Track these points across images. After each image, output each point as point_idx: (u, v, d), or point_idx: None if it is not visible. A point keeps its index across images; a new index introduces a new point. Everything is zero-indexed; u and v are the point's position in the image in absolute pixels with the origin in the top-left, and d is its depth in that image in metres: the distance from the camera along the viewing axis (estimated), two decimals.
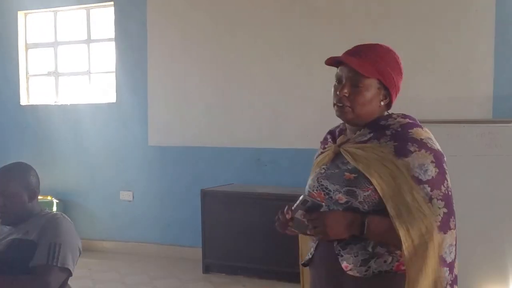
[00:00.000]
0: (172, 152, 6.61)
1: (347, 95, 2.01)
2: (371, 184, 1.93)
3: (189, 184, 6.46)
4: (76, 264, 2.84)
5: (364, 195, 1.94)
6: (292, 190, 5.64)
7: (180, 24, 6.54)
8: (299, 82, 5.97)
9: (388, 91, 2.05)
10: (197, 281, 5.67)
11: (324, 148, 2.22)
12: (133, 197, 6.85)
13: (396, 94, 2.09)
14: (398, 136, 1.98)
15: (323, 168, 2.10)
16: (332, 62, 2.10)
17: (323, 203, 1.97)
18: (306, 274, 2.33)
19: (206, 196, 5.87)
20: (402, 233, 1.86)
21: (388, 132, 2.00)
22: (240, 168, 6.30)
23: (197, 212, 5.94)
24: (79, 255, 2.88)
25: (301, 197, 1.97)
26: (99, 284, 5.66)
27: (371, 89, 2.01)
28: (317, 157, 2.24)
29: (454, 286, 1.96)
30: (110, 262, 6.44)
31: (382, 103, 2.05)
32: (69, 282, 2.90)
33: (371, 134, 2.03)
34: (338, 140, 2.12)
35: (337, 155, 2.09)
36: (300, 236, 2.29)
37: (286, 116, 6.06)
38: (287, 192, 5.60)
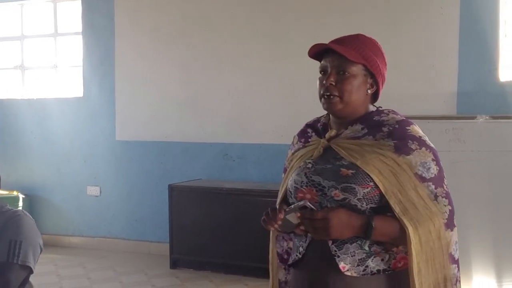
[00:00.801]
0: (140, 147, 6.57)
1: (334, 83, 1.95)
2: (371, 180, 1.87)
3: (157, 179, 6.44)
4: (37, 261, 2.81)
5: (364, 192, 1.87)
6: (260, 185, 5.67)
7: (148, 19, 6.49)
8: (267, 78, 5.97)
9: (374, 79, 2.01)
10: (164, 276, 5.66)
11: (307, 142, 2.13)
12: (100, 192, 6.80)
13: (382, 83, 2.05)
14: (396, 134, 1.93)
15: (310, 163, 2.01)
16: (314, 54, 2.04)
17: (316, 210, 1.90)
18: (275, 270, 2.24)
19: (174, 191, 5.85)
20: (410, 229, 1.82)
21: (384, 129, 1.96)
22: (208, 163, 6.29)
23: (165, 208, 5.93)
24: (41, 252, 2.85)
25: (300, 202, 1.89)
26: (64, 280, 5.62)
27: (358, 76, 1.96)
28: (295, 151, 2.15)
29: (460, 283, 1.97)
30: (77, 258, 6.39)
31: (369, 91, 2.01)
32: (32, 279, 2.88)
33: (365, 130, 1.98)
34: (327, 135, 2.04)
35: (326, 150, 2.01)
36: (272, 233, 2.21)
37: (254, 112, 6.06)
38: (254, 187, 5.62)
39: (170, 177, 6.20)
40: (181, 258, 5.87)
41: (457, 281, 1.94)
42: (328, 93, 1.97)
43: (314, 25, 5.70)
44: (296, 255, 2.07)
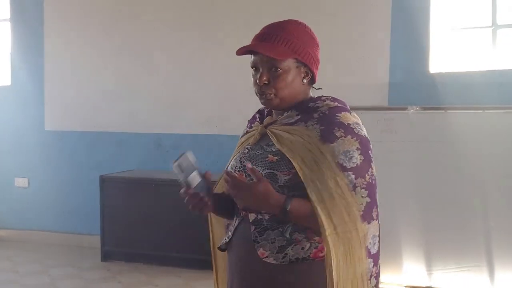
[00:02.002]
0: (70, 137, 6.43)
1: (267, 82, 1.92)
2: (293, 168, 1.84)
3: (88, 170, 6.31)
4: None
5: (285, 179, 1.85)
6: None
7: (78, 7, 6.35)
8: (201, 68, 5.92)
9: (308, 67, 1.97)
10: (95, 269, 5.55)
11: (251, 127, 2.13)
12: (29, 183, 6.63)
13: (317, 67, 2.01)
14: (325, 120, 1.90)
15: (247, 149, 2.01)
16: (244, 50, 1.98)
17: (189, 151, 1.92)
18: (219, 258, 2.25)
19: (105, 182, 5.74)
20: (323, 218, 1.78)
21: (315, 115, 1.92)
22: (141, 154, 6.21)
23: (96, 199, 5.81)
24: None
25: (174, 167, 1.90)
26: None
27: (290, 70, 1.92)
28: (242, 137, 2.16)
29: (378, 278, 1.91)
30: (4, 251, 6.21)
31: (304, 80, 1.97)
32: None
33: (299, 117, 1.95)
34: (265, 121, 2.05)
35: (263, 136, 2.01)
36: (211, 219, 2.23)
37: (187, 102, 6.00)
38: None
39: (102, 168, 6.08)
40: (113, 250, 5.77)
41: (372, 276, 1.88)
42: (262, 93, 1.95)
43: (247, 14, 5.68)
44: (225, 239, 2.08)
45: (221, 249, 2.12)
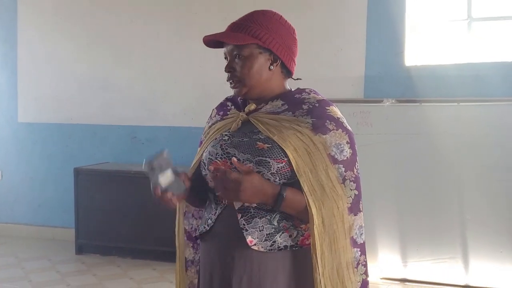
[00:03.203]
0: (44, 129, 6.37)
1: (231, 70, 1.95)
2: (286, 156, 1.85)
3: (62, 162, 6.26)
4: None
5: (278, 167, 1.85)
6: None
7: None
8: (177, 61, 5.89)
9: (274, 54, 1.95)
10: (69, 262, 5.50)
11: (225, 115, 2.10)
12: (2, 176, 6.56)
13: (290, 55, 2.00)
14: (315, 112, 1.91)
15: (226, 135, 1.98)
16: (215, 44, 2.02)
17: (165, 150, 1.89)
18: (181, 248, 2.20)
19: (80, 175, 5.69)
20: (314, 210, 1.81)
21: (304, 107, 1.94)
22: (116, 146, 6.16)
23: (70, 192, 5.77)
24: None
25: (144, 166, 1.87)
26: None
27: (252, 56, 1.93)
28: (212, 124, 2.12)
29: (367, 266, 1.96)
30: None
31: (271, 67, 1.96)
32: None
33: (286, 106, 1.96)
34: (246, 108, 2.02)
35: (244, 124, 1.99)
36: (178, 209, 2.16)
37: (163, 94, 5.97)
38: None
39: (76, 160, 6.03)
40: (87, 243, 5.73)
41: (359, 264, 1.94)
42: (231, 81, 1.97)
43: (223, 6, 5.65)
44: (204, 227, 2.03)
45: (196, 237, 2.10)
